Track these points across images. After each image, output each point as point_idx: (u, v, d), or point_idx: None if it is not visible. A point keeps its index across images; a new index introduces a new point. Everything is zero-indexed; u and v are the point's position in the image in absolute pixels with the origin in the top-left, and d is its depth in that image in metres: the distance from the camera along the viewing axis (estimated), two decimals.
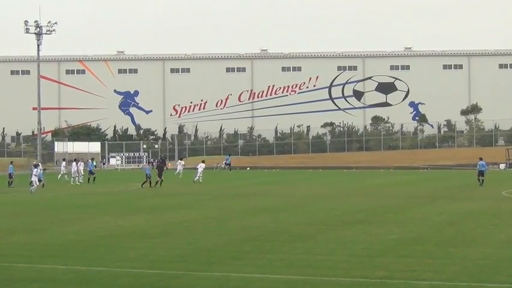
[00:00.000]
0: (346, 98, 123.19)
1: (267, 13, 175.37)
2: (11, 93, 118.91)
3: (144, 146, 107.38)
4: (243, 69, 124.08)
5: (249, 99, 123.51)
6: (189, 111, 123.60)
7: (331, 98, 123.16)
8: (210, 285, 14.74)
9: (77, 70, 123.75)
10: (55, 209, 32.62)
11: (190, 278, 15.48)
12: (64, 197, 41.16)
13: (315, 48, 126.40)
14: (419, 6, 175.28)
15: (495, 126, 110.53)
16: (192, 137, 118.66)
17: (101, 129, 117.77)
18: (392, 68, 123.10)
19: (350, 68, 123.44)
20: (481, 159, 48.33)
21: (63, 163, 62.73)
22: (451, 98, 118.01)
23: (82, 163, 57.98)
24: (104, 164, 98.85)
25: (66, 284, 15.03)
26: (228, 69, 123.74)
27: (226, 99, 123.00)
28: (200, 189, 46.86)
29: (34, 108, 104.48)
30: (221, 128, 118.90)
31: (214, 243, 20.31)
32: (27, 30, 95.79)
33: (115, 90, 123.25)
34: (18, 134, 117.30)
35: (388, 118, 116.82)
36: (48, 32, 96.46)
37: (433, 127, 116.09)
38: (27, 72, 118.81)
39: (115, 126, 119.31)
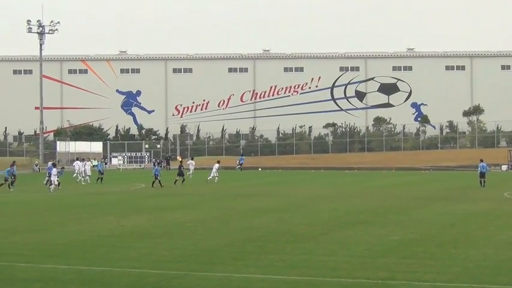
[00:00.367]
0: (348, 99, 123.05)
1: (270, 14, 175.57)
2: (14, 93, 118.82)
3: (146, 146, 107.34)
4: (245, 70, 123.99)
5: (251, 100, 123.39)
6: (191, 111, 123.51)
7: (333, 99, 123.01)
8: (211, 286, 14.76)
9: (79, 70, 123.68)
10: (57, 209, 32.63)
11: (192, 278, 15.50)
12: (67, 196, 41.15)
13: (317, 48, 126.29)
14: (421, 7, 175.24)
15: (497, 127, 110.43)
16: (194, 137, 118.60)
17: (103, 129, 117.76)
18: (394, 68, 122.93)
19: (352, 68, 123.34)
20: (481, 160, 48.38)
21: (77, 162, 59.42)
22: (453, 99, 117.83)
23: (88, 163, 57.90)
24: (106, 163, 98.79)
25: (68, 284, 15.04)
26: (230, 70, 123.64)
27: (229, 100, 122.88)
28: (202, 189, 46.84)
29: (36, 108, 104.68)
30: (223, 128, 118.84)
31: (216, 244, 20.32)
32: (29, 30, 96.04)
33: (117, 90, 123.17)
34: (20, 133, 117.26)
35: (390, 119, 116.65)
36: (50, 32, 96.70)
37: (435, 128, 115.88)
38: (30, 71, 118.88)
39: (117, 126, 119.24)
